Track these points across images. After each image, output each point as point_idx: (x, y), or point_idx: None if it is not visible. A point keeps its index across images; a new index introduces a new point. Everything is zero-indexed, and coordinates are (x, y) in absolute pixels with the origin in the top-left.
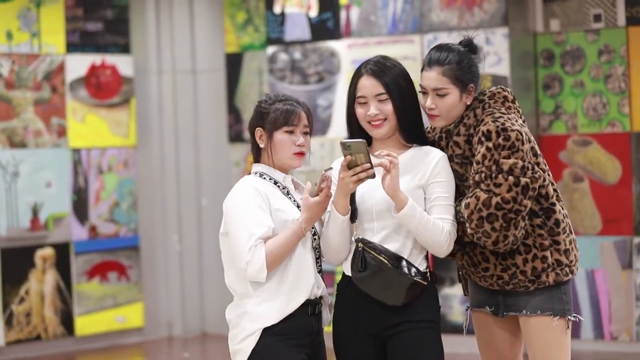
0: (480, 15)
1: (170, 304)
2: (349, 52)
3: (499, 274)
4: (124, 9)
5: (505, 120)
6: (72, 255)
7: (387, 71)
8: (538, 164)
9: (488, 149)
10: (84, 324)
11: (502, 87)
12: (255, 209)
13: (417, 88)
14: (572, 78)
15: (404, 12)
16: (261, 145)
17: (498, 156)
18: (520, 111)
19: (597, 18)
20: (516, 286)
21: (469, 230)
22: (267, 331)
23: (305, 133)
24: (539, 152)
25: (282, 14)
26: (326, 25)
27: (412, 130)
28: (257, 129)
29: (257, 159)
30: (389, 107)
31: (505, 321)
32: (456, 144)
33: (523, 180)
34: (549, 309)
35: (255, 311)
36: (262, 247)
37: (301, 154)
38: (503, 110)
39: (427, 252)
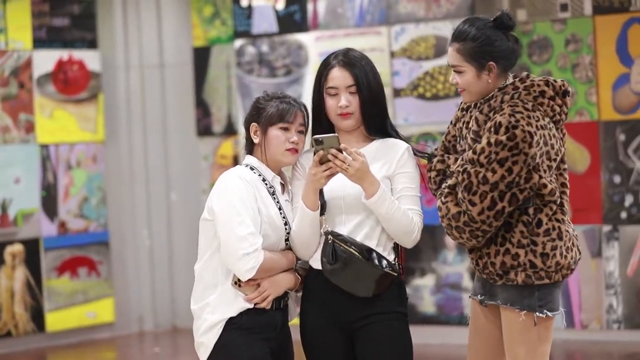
0: (446, 6)
1: (140, 299)
2: (316, 45)
3: (477, 260)
4: (91, 4)
5: (522, 117)
6: (41, 251)
7: (356, 63)
8: (551, 167)
9: (489, 143)
10: (54, 320)
11: (549, 80)
12: (253, 207)
13: (386, 80)
14: (539, 68)
15: (371, 4)
16: (255, 141)
17: (495, 155)
18: (559, 110)
19: (564, 7)
20: (488, 277)
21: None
22: (230, 324)
23: (300, 132)
24: (555, 156)
25: (249, 7)
26: (293, 18)
27: (376, 123)
28: (252, 124)
29: (249, 153)
30: (356, 99)
31: (490, 311)
32: (475, 119)
33: (500, 204)
34: (518, 303)
35: (216, 302)
36: (261, 253)
37: (294, 150)
38: (529, 105)
39: (395, 243)
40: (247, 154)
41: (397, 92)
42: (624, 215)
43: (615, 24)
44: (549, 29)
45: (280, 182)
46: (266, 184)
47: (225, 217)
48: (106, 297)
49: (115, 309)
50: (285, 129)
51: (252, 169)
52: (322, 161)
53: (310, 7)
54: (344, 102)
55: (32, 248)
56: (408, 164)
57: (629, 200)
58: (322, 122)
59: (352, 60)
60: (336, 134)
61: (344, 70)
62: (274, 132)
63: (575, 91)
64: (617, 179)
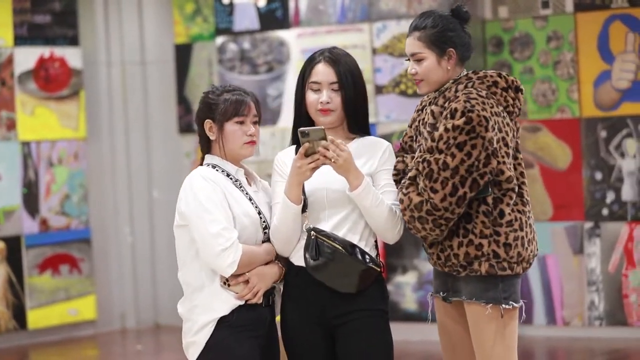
0: (428, 2)
1: (122, 296)
2: (298, 42)
3: (438, 254)
4: (72, 1)
5: (476, 103)
6: (23, 249)
7: (341, 61)
8: (509, 155)
9: (447, 129)
10: (36, 318)
11: (501, 73)
12: (222, 204)
13: (368, 76)
14: (521, 64)
15: (353, 1)
16: (212, 137)
17: (453, 140)
18: (512, 102)
19: (545, 5)
20: (451, 269)
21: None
22: (222, 323)
23: (255, 122)
24: (510, 144)
25: (231, 4)
26: (275, 15)
27: (358, 121)
28: (206, 121)
29: (207, 151)
30: (338, 98)
31: (455, 309)
32: (431, 112)
33: (461, 190)
34: (483, 297)
35: (205, 303)
36: (239, 246)
37: (252, 142)
38: (483, 93)
39: (376, 239)
40: (205, 151)
41: (379, 89)
42: (605, 212)
43: (597, 20)
44: (530, 26)
45: (244, 174)
46: (231, 179)
47: (196, 218)
48: (88, 295)
49: (97, 306)
50: (241, 122)
51: (214, 167)
52: (307, 153)
53: (291, 4)
54: (325, 97)
55: (13, 245)
56: (390, 161)
57: (610, 197)
58: (303, 118)
59: (337, 58)
60: (322, 127)
61: (328, 67)
62: (230, 127)
63: (556, 88)
64: (598, 175)
